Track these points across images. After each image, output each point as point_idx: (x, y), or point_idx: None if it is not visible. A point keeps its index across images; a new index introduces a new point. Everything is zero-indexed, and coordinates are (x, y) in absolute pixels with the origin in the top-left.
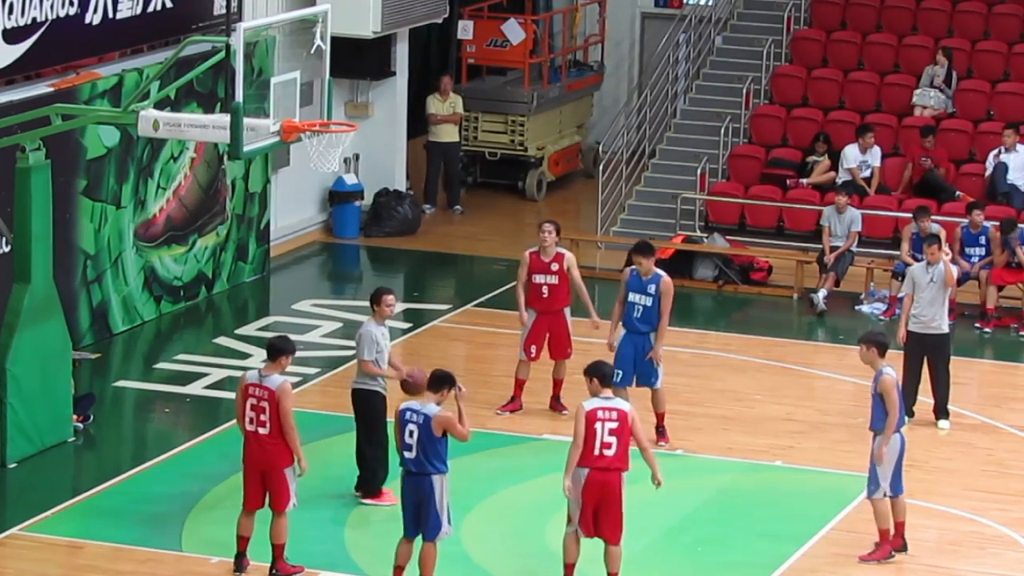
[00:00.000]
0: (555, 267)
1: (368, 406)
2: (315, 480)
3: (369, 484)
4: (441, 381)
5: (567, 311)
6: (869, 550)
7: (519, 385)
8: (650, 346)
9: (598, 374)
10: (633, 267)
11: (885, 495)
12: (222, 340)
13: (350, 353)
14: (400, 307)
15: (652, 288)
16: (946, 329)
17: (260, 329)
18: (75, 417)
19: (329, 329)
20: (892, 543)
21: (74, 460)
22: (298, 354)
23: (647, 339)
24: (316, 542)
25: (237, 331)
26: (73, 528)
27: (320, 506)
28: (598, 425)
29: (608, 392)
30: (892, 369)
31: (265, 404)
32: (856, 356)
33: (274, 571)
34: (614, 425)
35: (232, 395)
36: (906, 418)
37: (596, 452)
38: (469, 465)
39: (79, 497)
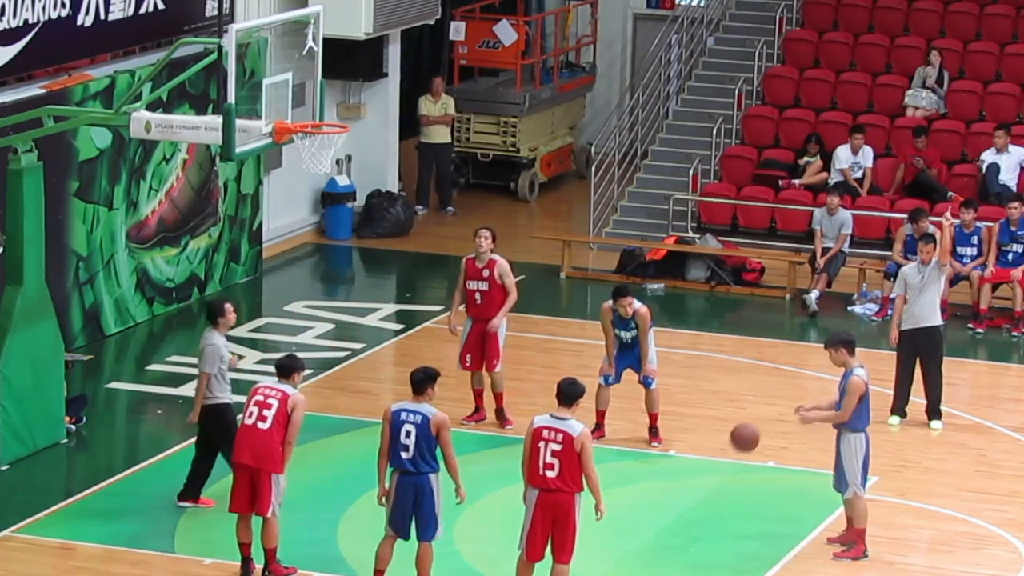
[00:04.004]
0: (486, 273)
1: (225, 420)
2: (308, 482)
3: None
4: (423, 382)
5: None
6: (844, 547)
7: (477, 395)
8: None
9: (558, 393)
10: (614, 307)
11: (856, 494)
12: None
13: (343, 355)
14: (392, 308)
15: (632, 324)
16: (938, 321)
17: (252, 331)
18: (67, 419)
19: (322, 330)
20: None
21: (67, 462)
22: None
23: (638, 352)
24: (309, 544)
25: (229, 332)
26: (66, 530)
27: (313, 508)
28: (541, 444)
29: (565, 412)
30: (864, 371)
31: (274, 402)
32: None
33: (267, 573)
34: (557, 447)
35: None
36: (897, 418)
37: (540, 472)
38: (463, 465)
39: (72, 499)
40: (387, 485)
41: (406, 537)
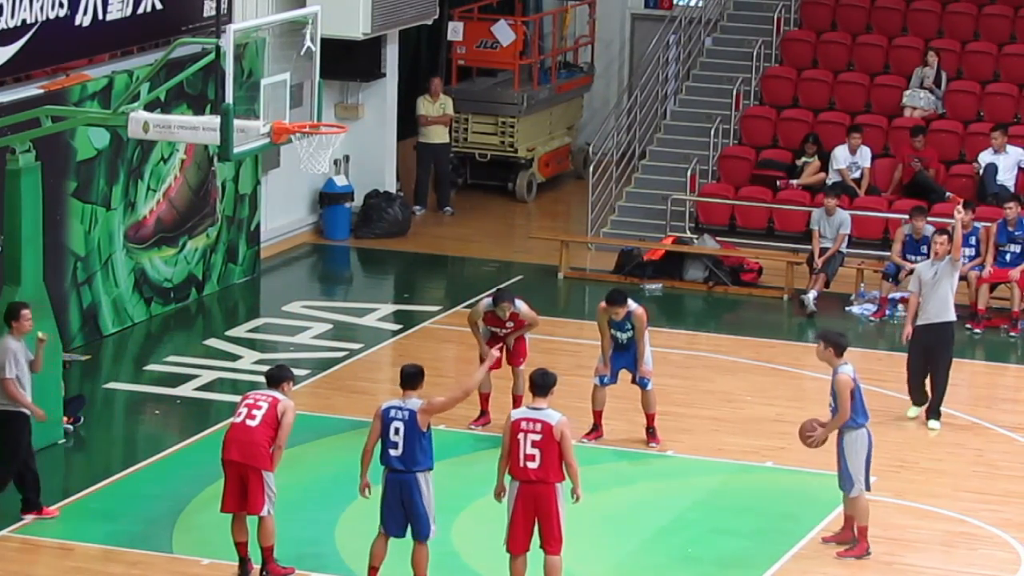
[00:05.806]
0: (511, 324)
1: (15, 427)
2: (306, 482)
3: (36, 500)
4: (415, 376)
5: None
6: (847, 546)
7: (484, 399)
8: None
9: (531, 385)
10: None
11: (862, 492)
12: (212, 342)
13: (341, 355)
14: (390, 308)
15: (627, 325)
16: (950, 317)
17: (250, 331)
18: (65, 419)
19: (319, 331)
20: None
21: (64, 462)
22: (289, 356)
23: (634, 353)
24: (307, 544)
25: (227, 333)
26: (63, 530)
27: (311, 508)
28: (520, 436)
29: (540, 402)
30: (849, 367)
31: (264, 404)
32: (846, 356)
33: (265, 573)
34: (537, 437)
35: (222, 396)
36: (916, 409)
37: (520, 464)
38: (461, 466)
39: (69, 499)
40: (368, 479)
41: (399, 536)
